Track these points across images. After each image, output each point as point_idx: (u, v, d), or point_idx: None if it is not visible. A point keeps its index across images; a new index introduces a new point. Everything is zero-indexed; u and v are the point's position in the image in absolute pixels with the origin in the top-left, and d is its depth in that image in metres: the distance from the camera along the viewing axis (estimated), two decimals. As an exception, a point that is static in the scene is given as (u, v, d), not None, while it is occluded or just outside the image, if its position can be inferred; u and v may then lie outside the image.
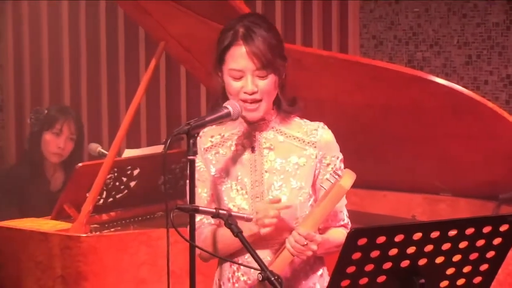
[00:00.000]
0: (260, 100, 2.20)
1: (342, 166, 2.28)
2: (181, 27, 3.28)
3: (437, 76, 3.19)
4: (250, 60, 2.18)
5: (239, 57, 2.19)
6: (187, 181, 2.23)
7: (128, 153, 3.55)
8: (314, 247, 2.15)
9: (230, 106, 2.20)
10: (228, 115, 2.19)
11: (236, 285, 2.26)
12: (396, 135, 3.30)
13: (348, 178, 2.17)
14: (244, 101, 2.20)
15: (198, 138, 2.29)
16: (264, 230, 2.15)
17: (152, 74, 3.31)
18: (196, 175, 2.24)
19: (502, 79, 4.34)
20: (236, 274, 2.26)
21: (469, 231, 2.00)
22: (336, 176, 2.17)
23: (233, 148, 2.28)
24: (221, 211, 2.12)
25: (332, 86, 3.20)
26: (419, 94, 3.10)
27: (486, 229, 2.01)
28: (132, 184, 3.45)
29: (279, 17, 4.65)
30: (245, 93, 2.19)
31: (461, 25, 4.38)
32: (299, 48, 3.32)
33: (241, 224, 2.16)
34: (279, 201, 2.18)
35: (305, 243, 2.13)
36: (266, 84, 2.20)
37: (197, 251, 2.21)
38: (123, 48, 4.87)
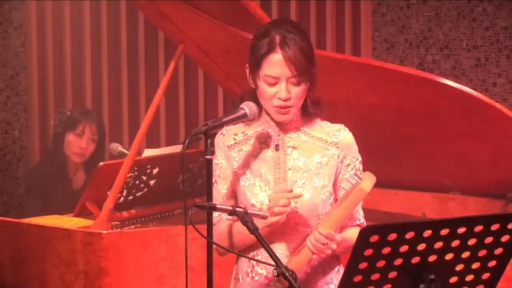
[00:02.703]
0: (291, 106, 2.25)
1: (361, 167, 2.33)
2: (199, 31, 3.31)
3: (447, 78, 3.18)
4: (286, 67, 2.22)
5: (276, 64, 2.22)
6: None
7: (148, 152, 3.58)
8: (334, 246, 2.19)
9: (247, 107, 2.24)
10: (244, 116, 2.24)
11: (256, 278, 2.30)
12: (407, 135, 3.32)
13: (368, 181, 2.21)
14: (276, 107, 2.24)
15: (221, 135, 2.33)
16: (273, 219, 2.18)
17: (171, 76, 3.33)
18: (217, 172, 2.30)
19: (510, 82, 4.33)
20: (255, 268, 2.30)
21: (478, 228, 2.02)
22: (357, 178, 2.22)
23: (256, 146, 2.31)
24: (237, 209, 2.15)
25: (345, 88, 3.22)
26: (430, 95, 3.11)
27: (494, 227, 2.03)
28: (152, 182, 3.48)
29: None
30: (278, 98, 2.23)
31: (470, 29, 4.38)
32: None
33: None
34: (290, 191, 2.22)
35: (326, 242, 2.18)
36: (299, 91, 2.24)
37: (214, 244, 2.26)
38: (143, 51, 4.89)
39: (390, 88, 3.17)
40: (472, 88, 3.13)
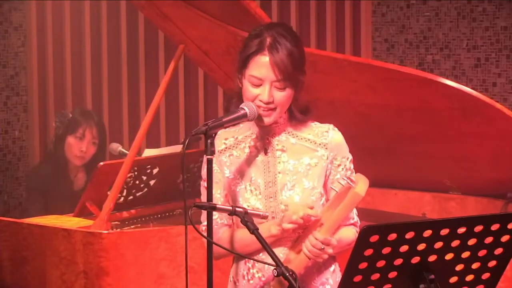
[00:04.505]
0: (273, 109, 2.25)
1: (352, 166, 2.33)
2: (199, 31, 3.31)
3: (447, 78, 3.20)
4: (271, 71, 2.21)
5: (262, 66, 2.22)
6: (201, 181, 2.29)
7: (148, 152, 3.59)
8: (330, 250, 2.20)
9: (247, 107, 2.24)
10: (244, 116, 2.23)
11: (251, 281, 2.30)
12: (407, 135, 3.32)
13: (363, 185, 2.21)
14: (258, 107, 2.24)
15: None
16: (287, 226, 2.19)
17: (171, 76, 3.34)
18: None
19: (510, 81, 4.34)
20: (251, 271, 2.30)
21: (478, 228, 2.03)
22: (348, 180, 2.21)
23: (246, 150, 2.31)
24: (237, 209, 2.16)
25: (345, 88, 3.22)
26: (430, 95, 3.12)
27: (495, 227, 2.03)
28: (152, 182, 3.49)
29: (294, 23, 4.67)
30: (260, 101, 2.23)
31: (470, 29, 4.39)
32: (314, 51, 3.34)
33: (260, 225, 2.19)
34: (312, 208, 2.23)
35: (322, 247, 2.18)
36: (283, 96, 2.24)
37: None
38: (143, 51, 4.90)
39: (390, 88, 3.18)
40: (472, 88, 3.13)
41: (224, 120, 2.21)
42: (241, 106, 2.25)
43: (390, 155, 3.44)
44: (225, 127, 2.26)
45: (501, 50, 4.34)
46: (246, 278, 2.31)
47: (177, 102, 4.93)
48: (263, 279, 2.28)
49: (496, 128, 3.12)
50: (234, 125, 2.30)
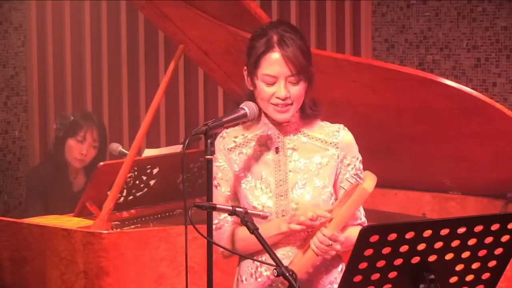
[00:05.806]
0: (290, 104, 2.26)
1: (361, 166, 2.34)
2: (199, 31, 3.32)
3: (447, 78, 3.21)
4: (285, 66, 2.23)
5: (274, 63, 2.23)
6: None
7: (148, 152, 3.60)
8: (338, 247, 2.20)
9: (247, 107, 2.25)
10: (244, 116, 2.24)
11: (259, 279, 2.30)
12: (407, 135, 3.33)
13: (371, 181, 2.21)
14: (276, 105, 2.25)
15: (222, 138, 2.33)
16: (294, 226, 2.20)
17: (171, 76, 3.34)
18: (219, 174, 2.30)
19: (510, 81, 4.35)
20: (259, 269, 2.30)
21: (478, 228, 2.03)
22: (358, 178, 2.21)
23: (256, 148, 2.31)
24: (237, 209, 2.16)
25: (345, 88, 3.23)
26: (430, 95, 3.12)
27: (495, 227, 2.04)
28: (152, 182, 3.48)
29: (294, 23, 4.68)
30: (277, 98, 2.24)
31: (470, 29, 4.40)
32: (314, 51, 3.32)
33: (270, 222, 2.22)
34: (329, 211, 2.23)
35: (330, 243, 2.19)
36: (298, 90, 2.25)
37: (221, 248, 2.26)
38: (143, 51, 4.90)
39: (390, 88, 3.19)
40: (472, 88, 3.14)
41: (224, 120, 2.21)
42: (241, 106, 2.26)
43: (390, 155, 3.44)
44: (225, 127, 2.27)
45: (501, 50, 4.35)
46: (254, 276, 2.31)
47: (177, 102, 4.93)
48: (271, 277, 2.28)
49: (496, 128, 3.13)
50: (234, 125, 2.31)
